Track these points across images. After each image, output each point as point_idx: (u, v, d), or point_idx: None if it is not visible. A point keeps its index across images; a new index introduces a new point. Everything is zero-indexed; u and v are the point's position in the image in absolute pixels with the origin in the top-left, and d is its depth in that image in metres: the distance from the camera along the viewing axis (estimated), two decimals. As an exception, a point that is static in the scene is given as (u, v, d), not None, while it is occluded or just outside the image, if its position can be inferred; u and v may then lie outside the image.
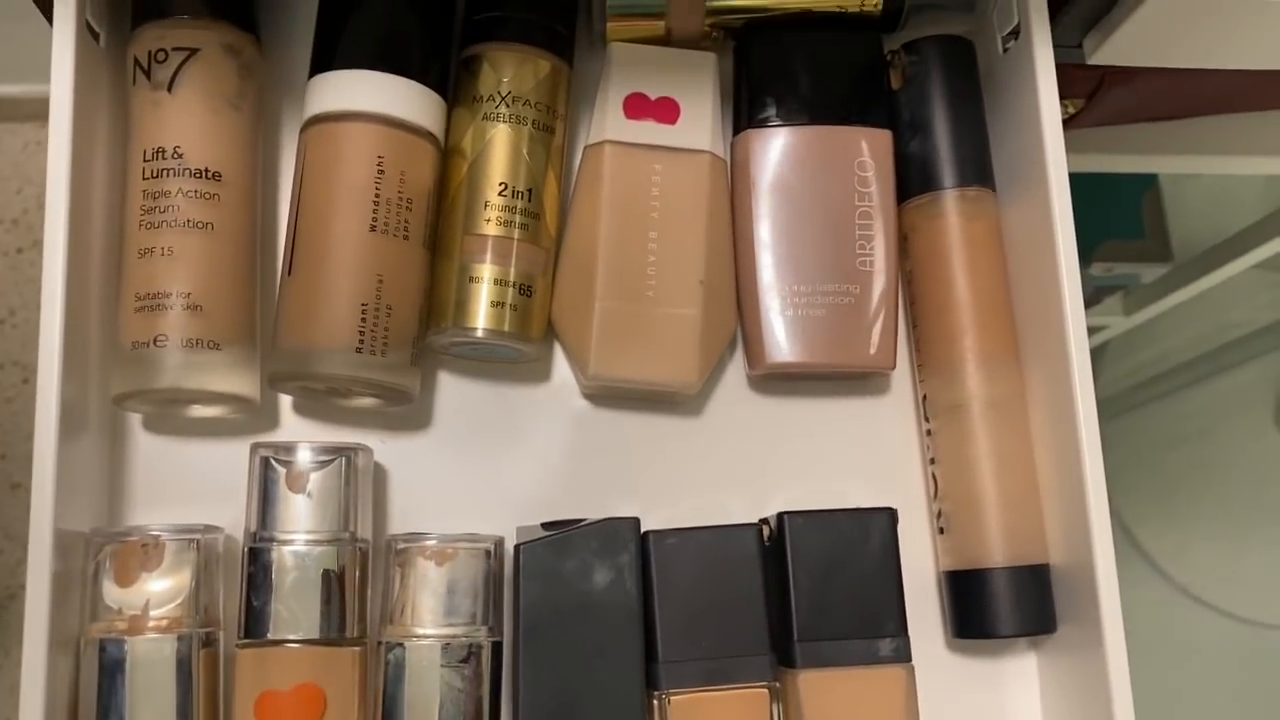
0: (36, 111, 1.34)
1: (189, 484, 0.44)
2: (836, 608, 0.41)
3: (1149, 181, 0.88)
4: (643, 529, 0.41)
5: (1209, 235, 0.89)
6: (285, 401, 0.45)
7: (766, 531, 0.42)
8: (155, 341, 0.40)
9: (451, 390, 0.47)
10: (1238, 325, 1.04)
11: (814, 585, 0.41)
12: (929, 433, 0.46)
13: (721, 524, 0.42)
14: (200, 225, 0.40)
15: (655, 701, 0.40)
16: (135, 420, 0.45)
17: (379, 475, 0.44)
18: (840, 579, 0.41)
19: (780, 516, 0.42)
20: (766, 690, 0.40)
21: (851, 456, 0.48)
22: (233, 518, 0.42)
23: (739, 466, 0.47)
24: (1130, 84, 0.60)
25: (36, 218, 1.37)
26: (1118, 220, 0.88)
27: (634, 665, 0.41)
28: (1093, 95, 0.63)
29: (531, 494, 0.45)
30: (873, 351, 0.45)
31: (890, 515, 0.42)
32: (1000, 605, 0.44)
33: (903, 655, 0.41)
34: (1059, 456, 0.44)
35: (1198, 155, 0.72)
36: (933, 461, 0.46)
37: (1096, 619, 0.42)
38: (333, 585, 0.40)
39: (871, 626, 0.41)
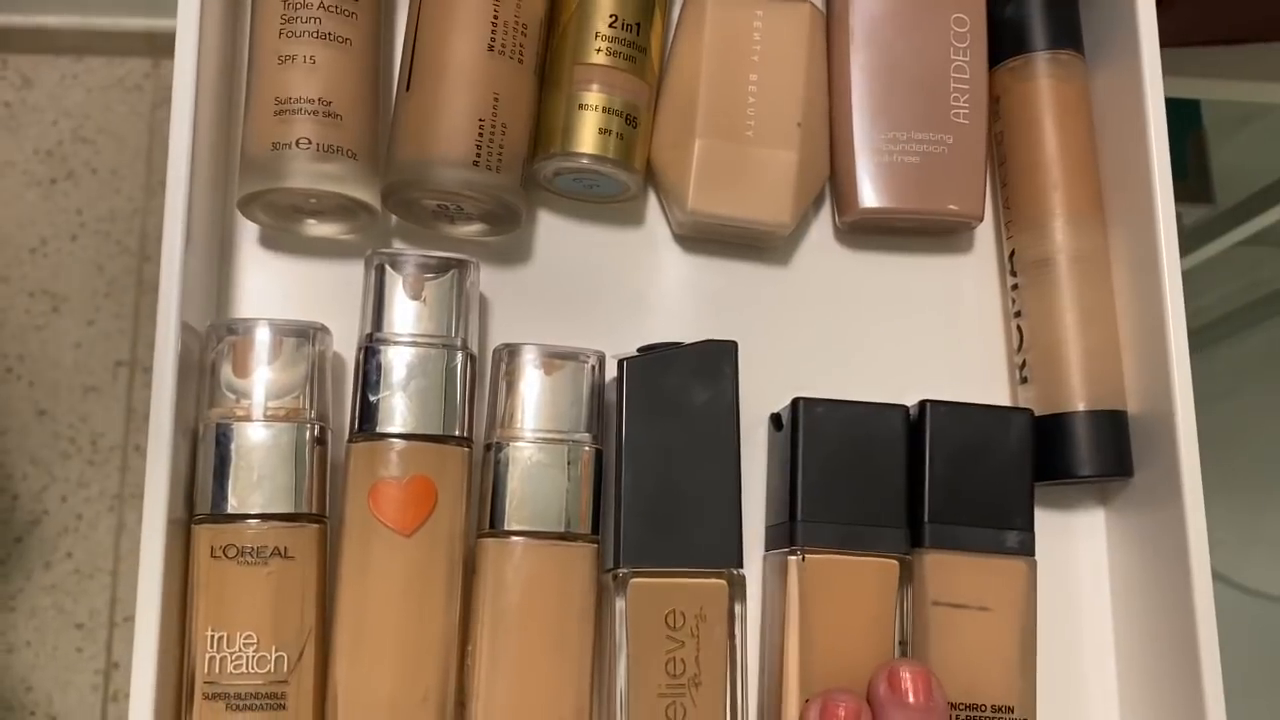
0: (74, 44, 1.35)
1: (295, 301, 0.45)
2: (968, 496, 0.42)
3: (1194, 123, 0.89)
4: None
5: (1251, 183, 0.91)
6: (392, 232, 0.46)
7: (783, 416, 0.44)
8: (298, 143, 0.41)
9: (548, 228, 0.48)
10: (1270, 281, 1.06)
11: (949, 472, 0.42)
12: (1015, 287, 0.48)
13: (871, 400, 0.43)
14: (340, 40, 0.42)
15: (791, 557, 0.42)
16: (246, 237, 0.46)
17: (480, 305, 0.45)
18: (974, 470, 0.42)
19: (923, 405, 0.43)
20: (898, 562, 0.41)
21: (935, 310, 0.49)
22: (336, 336, 0.43)
23: (824, 315, 0.48)
24: (1197, -2, 0.61)
25: (71, 149, 1.38)
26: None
27: (730, 477, 0.42)
28: (1159, 6, 0.64)
29: (622, 331, 0.46)
30: (963, 200, 0.46)
31: (1028, 415, 0.43)
32: (1080, 447, 0.45)
33: (1028, 549, 0.42)
34: (1142, 309, 0.45)
35: (1252, 82, 0.73)
36: (1018, 314, 0.47)
37: (1175, 467, 0.43)
38: (445, 385, 0.41)
39: (1000, 518, 0.42)
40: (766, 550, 0.45)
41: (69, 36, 1.31)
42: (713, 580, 0.41)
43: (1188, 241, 0.94)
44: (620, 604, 0.40)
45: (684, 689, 0.40)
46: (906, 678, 0.39)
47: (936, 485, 0.42)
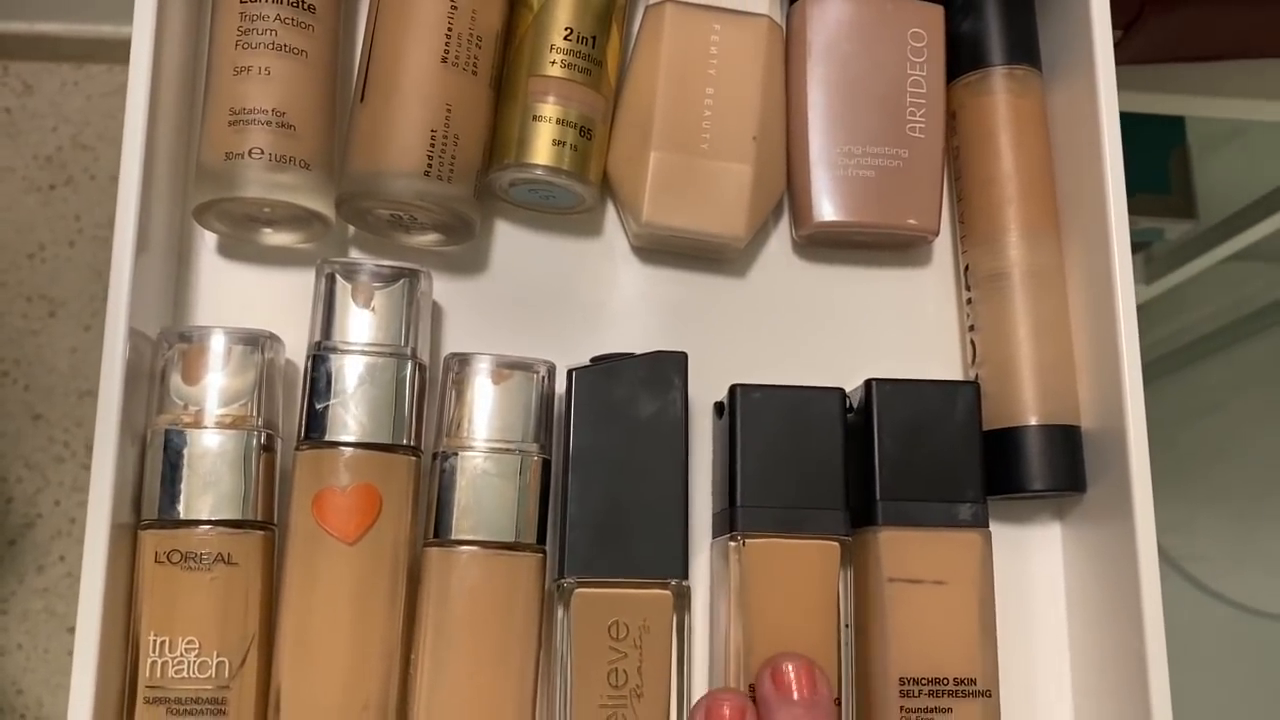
0: (74, 51, 1.36)
1: (251, 309, 0.45)
2: (918, 472, 0.43)
3: (1177, 139, 0.89)
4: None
5: (1235, 200, 0.91)
6: (350, 241, 0.47)
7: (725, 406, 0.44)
8: (250, 153, 0.41)
9: (506, 238, 0.48)
10: (1255, 298, 1.05)
11: (898, 449, 0.43)
12: (969, 301, 0.48)
13: (806, 385, 0.43)
14: (295, 51, 0.42)
15: (732, 543, 0.42)
16: (203, 244, 0.46)
17: (434, 314, 0.46)
18: (923, 445, 0.43)
19: (868, 383, 0.43)
20: (839, 544, 0.42)
21: (892, 323, 0.49)
22: (290, 344, 0.43)
23: (780, 326, 0.48)
24: (1170, 15, 0.62)
25: (70, 155, 1.39)
26: (1143, 178, 0.90)
27: (676, 488, 0.42)
28: (1131, 25, 0.64)
29: (578, 341, 0.46)
30: (919, 214, 0.46)
31: (974, 388, 0.44)
32: (1033, 461, 0.45)
33: (981, 520, 0.42)
34: (1095, 325, 0.46)
35: (1229, 99, 0.74)
36: (972, 329, 0.47)
37: (1126, 481, 0.43)
38: (392, 394, 0.41)
39: (952, 491, 0.43)
40: (713, 538, 0.45)
41: (70, 44, 1.32)
42: (657, 590, 0.41)
43: (1172, 257, 0.94)
44: (563, 614, 0.40)
45: (625, 700, 0.40)
46: (789, 672, 0.39)
47: (886, 462, 0.42)
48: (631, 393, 0.42)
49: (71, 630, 1.27)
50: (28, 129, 1.42)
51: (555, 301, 0.48)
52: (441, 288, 0.46)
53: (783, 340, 0.48)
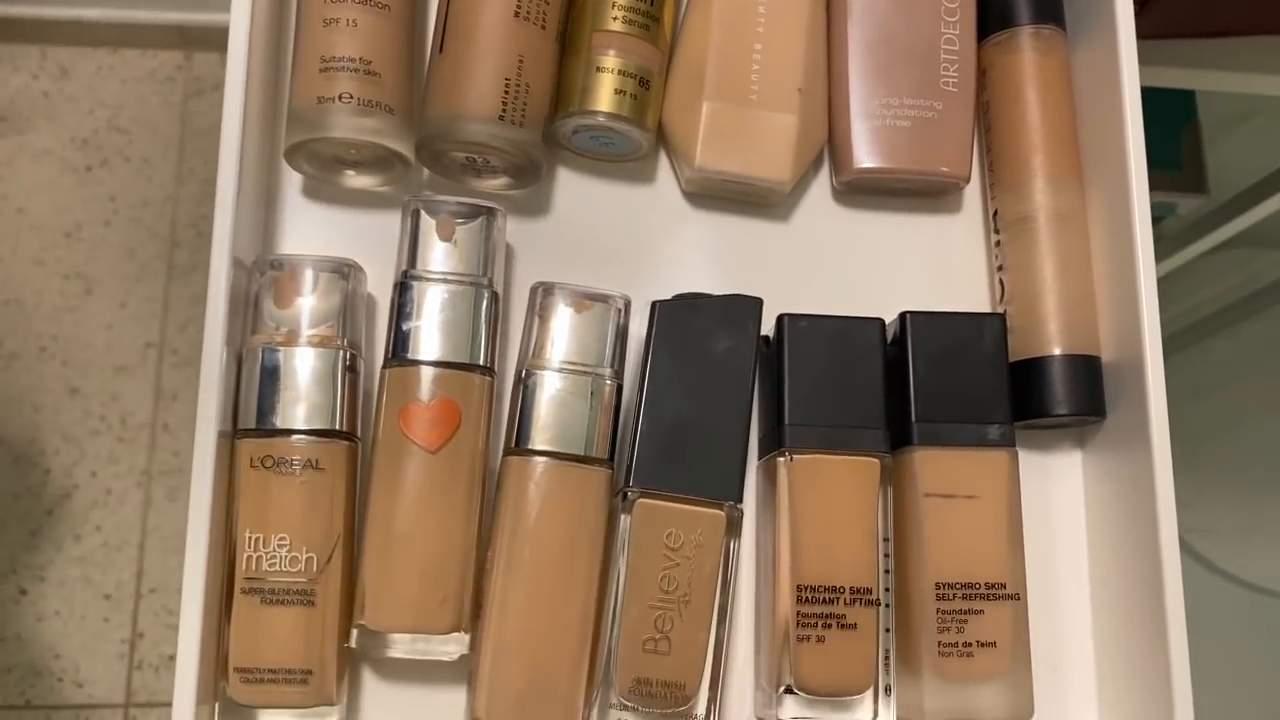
0: (110, 37, 1.40)
1: (332, 248, 0.49)
2: (951, 396, 0.46)
3: (1189, 116, 0.93)
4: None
5: (1246, 179, 0.94)
6: (424, 186, 0.50)
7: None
8: (339, 98, 0.45)
9: (568, 185, 0.52)
10: (1263, 275, 1.08)
11: (931, 375, 0.46)
12: (998, 244, 0.51)
13: (850, 315, 0.47)
14: (380, 5, 0.46)
15: (780, 459, 0.45)
16: (290, 186, 0.50)
17: (509, 255, 0.49)
18: (955, 372, 0.46)
19: (904, 315, 0.46)
20: (879, 460, 0.45)
21: (924, 265, 0.52)
22: (371, 281, 0.47)
23: (820, 268, 0.52)
24: (1183, -15, 0.65)
25: (106, 138, 1.42)
26: (1155, 154, 0.93)
27: (741, 420, 0.45)
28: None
29: (632, 280, 0.50)
30: (951, 162, 0.50)
31: (1001, 318, 0.47)
32: (1057, 388, 0.48)
33: (1008, 440, 0.45)
34: (1115, 263, 0.49)
35: (1242, 74, 0.77)
36: (1000, 269, 0.51)
37: (1143, 406, 0.47)
38: (470, 319, 0.45)
39: (981, 414, 0.46)
40: (759, 460, 0.48)
41: (105, 30, 1.36)
42: (712, 510, 0.45)
43: (1184, 235, 0.98)
44: (625, 520, 0.44)
45: (674, 605, 0.44)
46: None
47: (921, 388, 0.45)
48: (708, 328, 0.45)
49: (106, 597, 1.31)
50: (65, 112, 1.46)
51: (612, 244, 0.51)
52: (509, 228, 0.49)
53: (823, 281, 0.52)
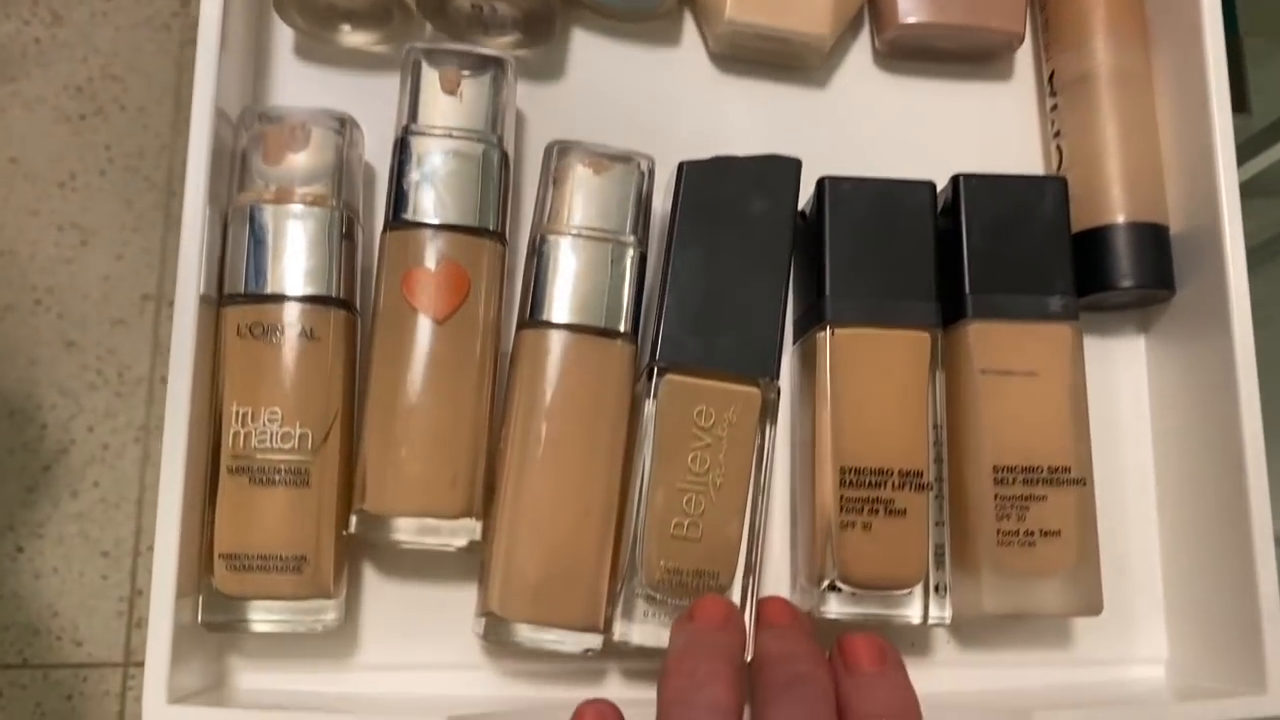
0: (105, -18, 1.34)
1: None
2: (1008, 266, 0.42)
3: (1231, 30, 0.88)
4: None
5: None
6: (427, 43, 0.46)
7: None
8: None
9: (585, 47, 0.47)
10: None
11: (986, 243, 0.42)
12: (1054, 107, 0.47)
13: (897, 178, 0.42)
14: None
15: (820, 333, 0.41)
16: (282, 43, 0.45)
17: (519, 120, 0.45)
18: (1012, 239, 0.42)
19: (956, 179, 0.42)
20: (929, 334, 0.41)
21: (972, 134, 0.48)
22: (368, 148, 0.43)
23: (860, 138, 0.47)
24: None
25: (100, 85, 1.38)
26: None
27: (777, 290, 0.41)
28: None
29: (654, 149, 0.45)
30: (1003, 17, 0.46)
31: (1062, 182, 0.42)
32: (1121, 259, 0.44)
33: (1071, 312, 0.41)
34: (1186, 125, 0.45)
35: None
36: (1057, 134, 0.47)
37: (1220, 283, 0.42)
38: (479, 179, 0.40)
39: (1041, 284, 0.42)
40: (794, 343, 0.44)
41: (100, -26, 1.31)
42: (747, 387, 0.40)
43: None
44: (652, 397, 0.40)
45: (704, 487, 0.39)
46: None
47: (975, 257, 0.41)
48: (740, 191, 0.40)
49: (105, 554, 1.27)
50: (57, 59, 1.41)
51: (632, 113, 0.47)
52: (520, 93, 0.45)
53: (863, 152, 0.47)
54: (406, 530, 0.39)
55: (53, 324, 1.37)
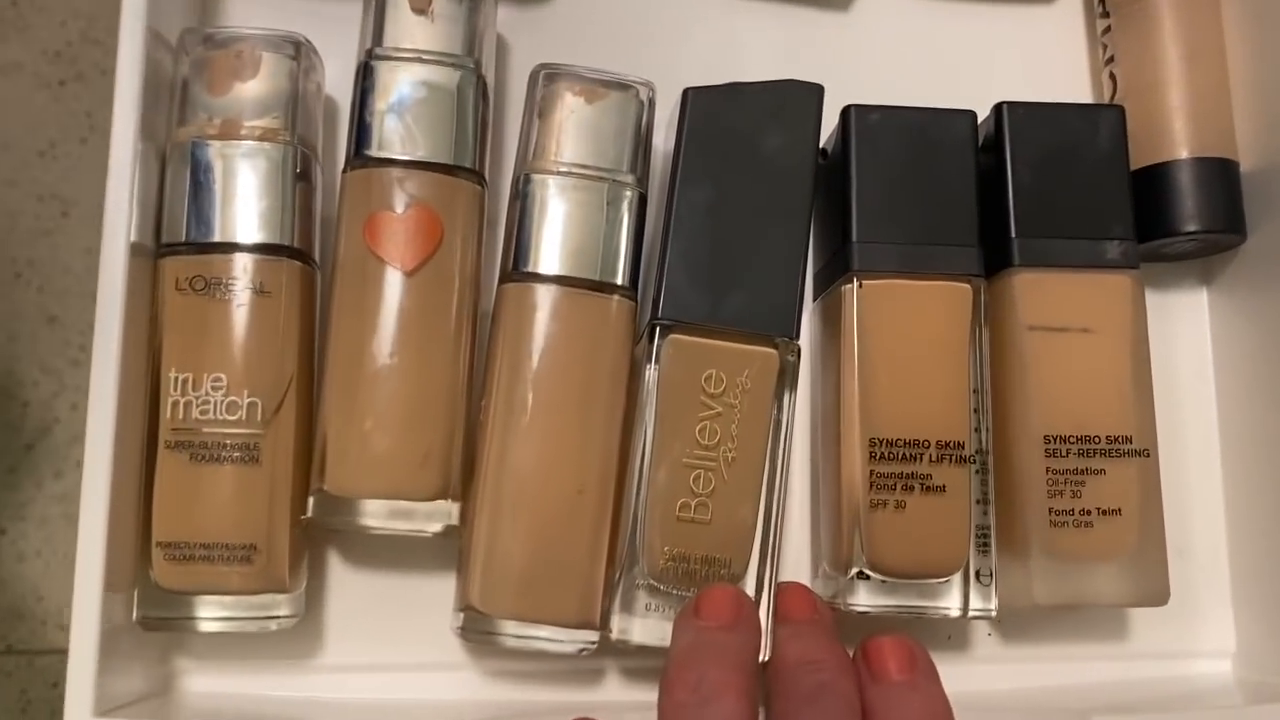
0: (83, -57, 1.29)
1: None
2: (1058, 206, 0.37)
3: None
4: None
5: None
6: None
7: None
8: None
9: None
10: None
11: (1035, 181, 0.37)
12: (1106, 30, 0.41)
13: (931, 106, 0.37)
14: None
15: (846, 286, 0.36)
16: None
17: (500, 49, 0.40)
18: (1063, 177, 0.37)
19: (999, 107, 0.37)
20: (970, 285, 0.36)
21: (1013, 64, 0.43)
22: (333, 74, 0.38)
23: (889, 69, 0.42)
24: None
25: (80, 50, 1.33)
26: None
27: (798, 236, 0.36)
28: None
29: (665, 85, 0.40)
30: (1050, -74, 0.40)
31: (1119, 111, 0.38)
32: (1184, 199, 0.39)
33: (1131, 260, 0.37)
34: (1259, 47, 0.39)
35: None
36: (1110, 61, 0.41)
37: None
38: (453, 110, 0.35)
39: (1097, 227, 0.37)
40: (815, 298, 0.39)
41: (77, -67, 1.25)
42: (762, 348, 0.35)
43: None
44: (653, 361, 0.35)
45: (715, 461, 0.34)
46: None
47: (1022, 196, 0.37)
48: (755, 123, 0.35)
49: (90, 537, 1.22)
50: (36, 23, 1.35)
51: (632, 39, 0.41)
52: (505, 19, 0.40)
53: (893, 84, 0.41)
54: (373, 514, 0.34)
55: (33, 299, 1.32)
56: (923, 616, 0.36)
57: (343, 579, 0.38)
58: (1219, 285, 0.42)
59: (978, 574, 0.36)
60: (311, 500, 0.34)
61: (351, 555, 0.37)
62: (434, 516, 0.34)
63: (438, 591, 0.37)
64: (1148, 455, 0.36)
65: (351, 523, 0.34)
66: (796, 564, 0.39)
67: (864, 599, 0.36)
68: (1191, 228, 0.38)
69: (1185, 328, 0.42)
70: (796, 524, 0.39)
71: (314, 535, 0.36)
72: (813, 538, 0.39)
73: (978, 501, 0.36)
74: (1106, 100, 0.41)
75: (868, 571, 0.35)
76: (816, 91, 0.36)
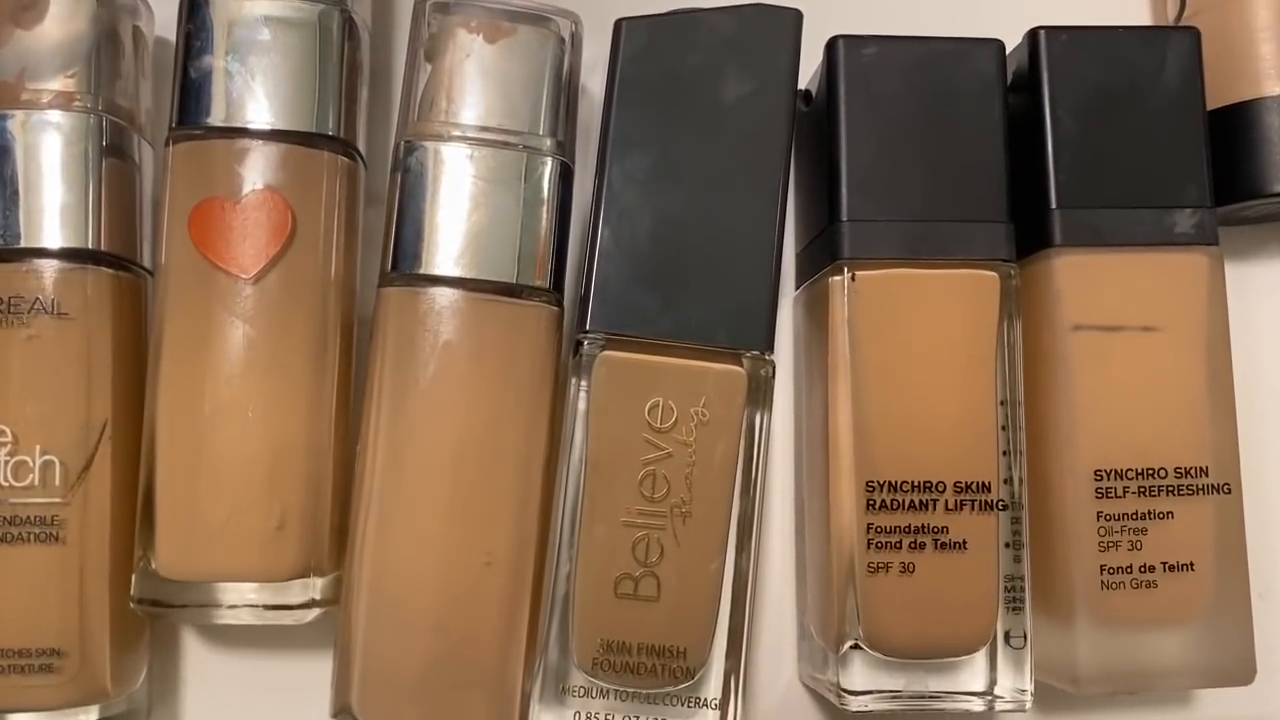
0: None
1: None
2: (1112, 165, 0.29)
3: None
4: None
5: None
6: None
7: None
8: None
9: None
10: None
11: (1081, 132, 0.29)
12: (1170, -73, 0.32)
13: (944, 35, 0.29)
14: None
15: (835, 277, 0.29)
16: None
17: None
18: (1118, 125, 0.29)
19: (1034, 34, 0.30)
20: (997, 274, 0.28)
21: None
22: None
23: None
24: None
25: None
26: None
27: (769, 212, 0.28)
28: None
29: (586, 6, 0.30)
30: None
31: (1194, 35, 0.30)
32: (1276, 149, 0.30)
33: (1208, 234, 0.29)
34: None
35: None
36: (1175, -33, 0.32)
37: None
38: (316, 60, 0.27)
39: (1164, 192, 0.29)
40: (798, 288, 0.31)
41: None
42: (726, 366, 0.27)
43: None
44: (581, 385, 0.26)
45: (664, 519, 0.27)
46: None
47: (1065, 153, 0.29)
48: (711, 64, 0.28)
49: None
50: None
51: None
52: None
53: (893, 6, 0.33)
54: (217, 600, 0.26)
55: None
56: (936, 703, 0.28)
57: (202, 661, 0.30)
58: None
59: (1008, 636, 0.28)
60: (136, 581, 0.26)
61: (212, 632, 0.30)
62: (296, 599, 0.26)
63: (321, 674, 0.29)
64: (1229, 491, 0.29)
65: (189, 613, 0.26)
66: (778, 628, 0.31)
67: (863, 681, 0.28)
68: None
69: (1271, 310, 0.33)
70: (777, 573, 0.31)
71: (147, 625, 0.28)
72: (798, 593, 0.31)
73: (1006, 545, 0.28)
74: (1172, 21, 0.32)
75: (864, 646, 0.27)
76: (793, 19, 0.28)
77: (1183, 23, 0.32)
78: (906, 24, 0.31)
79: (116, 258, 0.27)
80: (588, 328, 0.27)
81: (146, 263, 0.29)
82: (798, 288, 0.32)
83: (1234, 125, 0.31)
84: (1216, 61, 0.31)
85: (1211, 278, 0.29)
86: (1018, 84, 0.30)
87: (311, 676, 0.30)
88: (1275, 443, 0.33)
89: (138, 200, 0.29)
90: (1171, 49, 0.30)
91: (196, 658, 0.30)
